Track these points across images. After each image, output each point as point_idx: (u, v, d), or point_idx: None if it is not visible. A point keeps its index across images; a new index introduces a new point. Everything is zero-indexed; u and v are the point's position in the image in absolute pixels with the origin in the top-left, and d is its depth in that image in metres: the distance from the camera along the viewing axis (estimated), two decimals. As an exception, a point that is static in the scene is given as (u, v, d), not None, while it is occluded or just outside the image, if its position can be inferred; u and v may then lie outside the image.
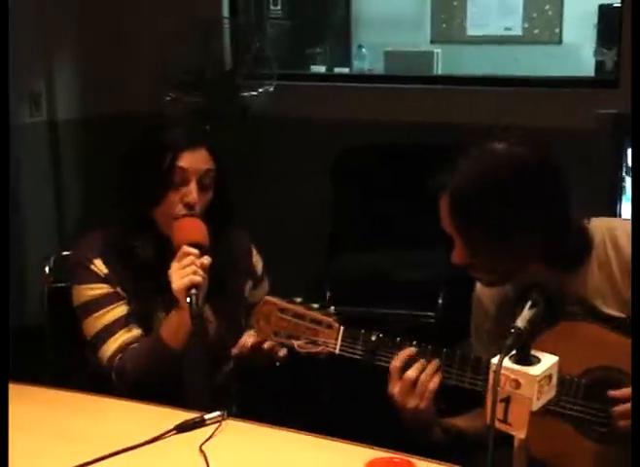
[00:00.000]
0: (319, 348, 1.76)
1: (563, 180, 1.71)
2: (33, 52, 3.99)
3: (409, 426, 1.74)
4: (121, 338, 1.98)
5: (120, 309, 2.00)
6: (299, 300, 1.80)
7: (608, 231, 1.76)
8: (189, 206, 1.96)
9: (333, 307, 1.78)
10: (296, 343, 1.77)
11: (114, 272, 2.01)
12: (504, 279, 1.76)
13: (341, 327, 1.76)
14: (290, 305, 1.78)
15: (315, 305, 1.78)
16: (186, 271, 1.86)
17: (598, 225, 1.79)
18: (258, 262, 2.20)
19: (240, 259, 2.15)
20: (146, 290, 2.00)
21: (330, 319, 1.76)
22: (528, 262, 1.72)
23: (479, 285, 1.88)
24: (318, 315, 1.77)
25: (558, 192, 1.70)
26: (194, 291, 1.85)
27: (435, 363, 1.71)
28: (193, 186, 1.96)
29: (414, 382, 1.70)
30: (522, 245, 1.68)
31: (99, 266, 2.02)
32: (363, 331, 1.75)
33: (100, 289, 2.01)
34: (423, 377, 1.70)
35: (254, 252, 2.20)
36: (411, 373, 1.70)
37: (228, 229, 2.10)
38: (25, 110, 4.00)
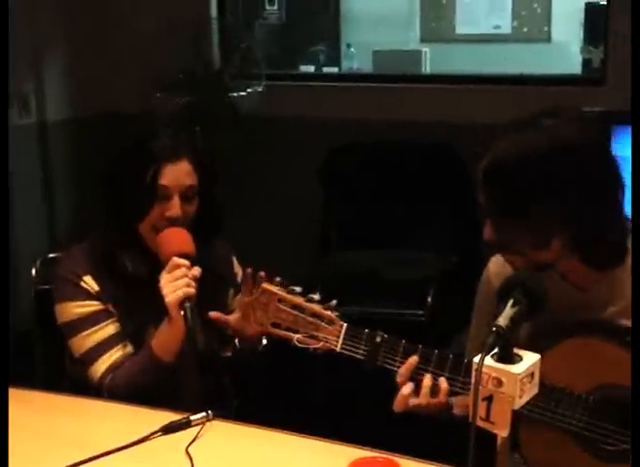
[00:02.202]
0: (319, 344, 1.70)
1: (612, 171, 1.62)
2: (22, 53, 3.98)
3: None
4: (112, 356, 1.97)
5: (110, 328, 1.99)
6: (298, 289, 1.74)
7: None
8: (172, 220, 1.95)
9: (334, 301, 1.73)
10: (295, 337, 1.71)
11: (105, 289, 1.99)
12: (535, 267, 1.65)
13: (344, 324, 1.71)
14: (290, 296, 1.72)
15: (316, 297, 1.73)
16: (179, 284, 1.85)
17: None
18: (238, 270, 2.19)
19: (224, 268, 2.15)
20: (137, 306, 1.98)
21: (332, 315, 1.71)
22: (560, 252, 1.62)
23: (491, 266, 1.83)
24: (320, 309, 1.71)
25: (603, 181, 1.60)
26: (187, 304, 1.84)
27: (444, 382, 1.67)
28: (175, 201, 1.96)
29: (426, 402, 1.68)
30: (554, 232, 1.60)
31: (90, 282, 1.99)
32: (367, 330, 1.70)
33: (90, 306, 1.98)
34: (431, 397, 1.68)
35: (234, 261, 2.20)
36: (422, 398, 1.67)
37: (213, 238, 2.09)
38: (15, 112, 3.99)
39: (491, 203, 1.63)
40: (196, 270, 1.89)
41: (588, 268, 1.67)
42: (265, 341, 1.99)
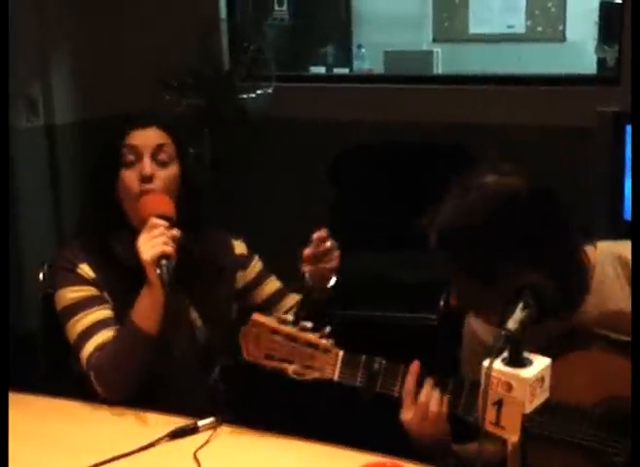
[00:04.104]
0: (316, 374, 1.68)
1: (560, 213, 1.63)
2: (29, 56, 4.00)
3: (424, 450, 1.68)
4: (101, 338, 1.93)
5: (103, 312, 1.97)
6: (290, 318, 1.72)
7: (619, 259, 1.68)
8: (145, 179, 1.96)
9: (328, 328, 1.71)
10: (290, 369, 1.69)
11: (101, 277, 1.99)
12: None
13: (340, 352, 1.68)
14: (281, 327, 1.70)
15: (309, 325, 1.71)
16: (155, 242, 1.85)
17: (606, 251, 1.70)
18: (241, 248, 2.18)
19: (223, 258, 2.13)
20: (132, 295, 1.95)
21: (326, 343, 1.69)
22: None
23: (472, 318, 1.81)
24: (314, 338, 1.69)
25: (553, 226, 1.62)
26: (164, 262, 1.83)
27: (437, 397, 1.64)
28: (146, 160, 1.97)
29: (428, 406, 1.64)
30: (514, 284, 1.57)
31: (86, 270, 2.00)
32: (364, 357, 1.68)
33: (85, 291, 1.98)
34: (435, 401, 1.64)
35: (234, 243, 2.18)
36: (425, 396, 1.64)
37: (200, 214, 2.09)
38: (22, 115, 4.01)
39: (450, 271, 1.64)
40: (176, 231, 1.89)
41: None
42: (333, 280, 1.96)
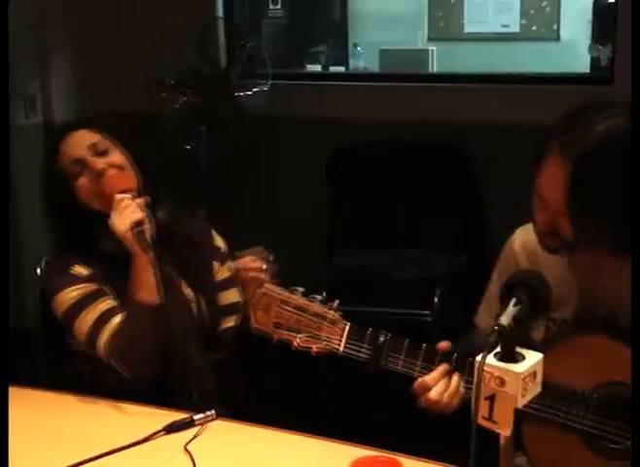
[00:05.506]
0: (321, 345, 1.68)
1: None
2: (28, 53, 3.99)
3: None
4: (112, 325, 1.95)
5: (107, 303, 1.98)
6: (300, 290, 1.72)
7: None
8: (99, 174, 2.00)
9: (337, 301, 1.71)
10: (297, 338, 1.69)
11: (96, 272, 2.01)
12: (569, 251, 1.66)
13: (347, 324, 1.68)
14: (292, 297, 1.71)
15: (318, 297, 1.71)
16: (125, 214, 1.91)
17: None
18: (220, 242, 2.21)
19: (200, 238, 2.17)
20: (128, 280, 1.98)
21: (334, 315, 1.69)
22: (600, 239, 1.62)
23: (517, 237, 1.82)
24: (322, 309, 1.69)
25: None
26: (139, 228, 1.90)
27: (457, 380, 1.64)
28: (90, 159, 2.02)
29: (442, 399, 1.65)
30: (614, 222, 1.58)
31: (80, 269, 2.01)
32: (370, 330, 1.68)
33: (85, 288, 1.99)
34: (447, 398, 1.65)
35: (215, 235, 2.21)
36: (435, 396, 1.64)
37: (166, 186, 2.14)
38: (21, 112, 4.02)
39: (568, 202, 1.58)
40: (141, 199, 1.96)
41: (615, 253, 1.65)
42: None
